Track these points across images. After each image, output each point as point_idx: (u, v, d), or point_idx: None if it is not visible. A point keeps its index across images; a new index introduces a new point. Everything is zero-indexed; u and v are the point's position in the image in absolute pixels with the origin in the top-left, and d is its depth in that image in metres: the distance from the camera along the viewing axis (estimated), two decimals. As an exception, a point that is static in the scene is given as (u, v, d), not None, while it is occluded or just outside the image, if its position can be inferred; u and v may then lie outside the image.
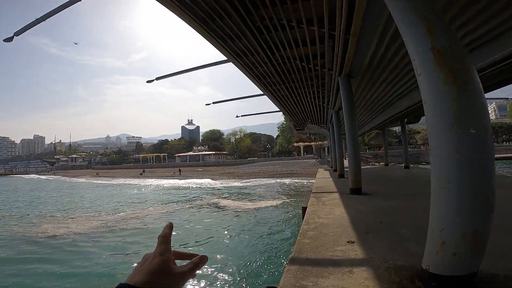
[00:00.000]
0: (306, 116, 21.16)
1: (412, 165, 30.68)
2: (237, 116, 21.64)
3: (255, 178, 34.91)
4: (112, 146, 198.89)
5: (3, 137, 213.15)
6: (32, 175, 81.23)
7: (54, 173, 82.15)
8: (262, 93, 13.89)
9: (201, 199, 18.69)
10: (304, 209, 7.12)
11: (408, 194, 6.73)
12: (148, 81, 12.02)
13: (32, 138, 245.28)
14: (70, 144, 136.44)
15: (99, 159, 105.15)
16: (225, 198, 18.63)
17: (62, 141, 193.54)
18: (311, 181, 24.64)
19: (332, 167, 23.91)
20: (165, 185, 31.65)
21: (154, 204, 17.61)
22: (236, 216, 12.53)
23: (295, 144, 63.99)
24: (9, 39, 7.09)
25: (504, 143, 61.96)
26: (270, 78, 10.79)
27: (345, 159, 12.66)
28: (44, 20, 6.99)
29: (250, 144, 76.81)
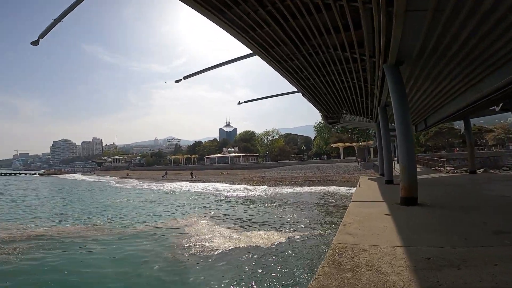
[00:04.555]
0: (339, 101, 14.34)
1: (492, 171, 20.68)
2: (239, 103, 16.03)
3: (279, 186, 28.55)
4: (160, 148, 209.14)
5: (66, 140, 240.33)
6: (72, 175, 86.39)
7: (94, 173, 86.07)
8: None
9: (181, 215, 13.32)
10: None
11: None
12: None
13: (91, 140, 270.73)
14: (115, 146, 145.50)
15: (138, 160, 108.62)
16: (213, 217, 12.86)
17: (115, 143, 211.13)
18: (350, 191, 17.71)
19: (381, 174, 16.51)
20: (172, 189, 27.28)
21: (94, 219, 12.91)
22: (181, 269, 6.59)
23: (333, 145, 55.33)
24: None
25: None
26: (303, 72, 9.63)
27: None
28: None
29: (283, 146, 69.86)
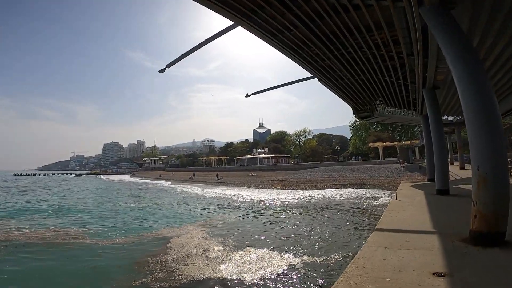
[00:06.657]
0: (368, 87, 11.40)
1: None
2: (247, 95, 13.85)
3: (305, 190, 25.74)
4: (196, 149, 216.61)
5: (114, 142, 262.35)
6: (110, 176, 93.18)
7: (133, 173, 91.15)
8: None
9: (166, 227, 11.56)
10: None
11: None
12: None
13: (136, 142, 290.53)
14: (154, 148, 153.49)
15: (173, 161, 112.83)
16: (207, 230, 10.83)
17: (155, 145, 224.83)
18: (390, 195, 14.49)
19: (429, 179, 13.05)
20: (189, 194, 26.22)
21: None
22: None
23: (371, 145, 50.05)
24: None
25: None
26: (310, 47, 7.46)
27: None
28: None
29: (315, 146, 65.71)
